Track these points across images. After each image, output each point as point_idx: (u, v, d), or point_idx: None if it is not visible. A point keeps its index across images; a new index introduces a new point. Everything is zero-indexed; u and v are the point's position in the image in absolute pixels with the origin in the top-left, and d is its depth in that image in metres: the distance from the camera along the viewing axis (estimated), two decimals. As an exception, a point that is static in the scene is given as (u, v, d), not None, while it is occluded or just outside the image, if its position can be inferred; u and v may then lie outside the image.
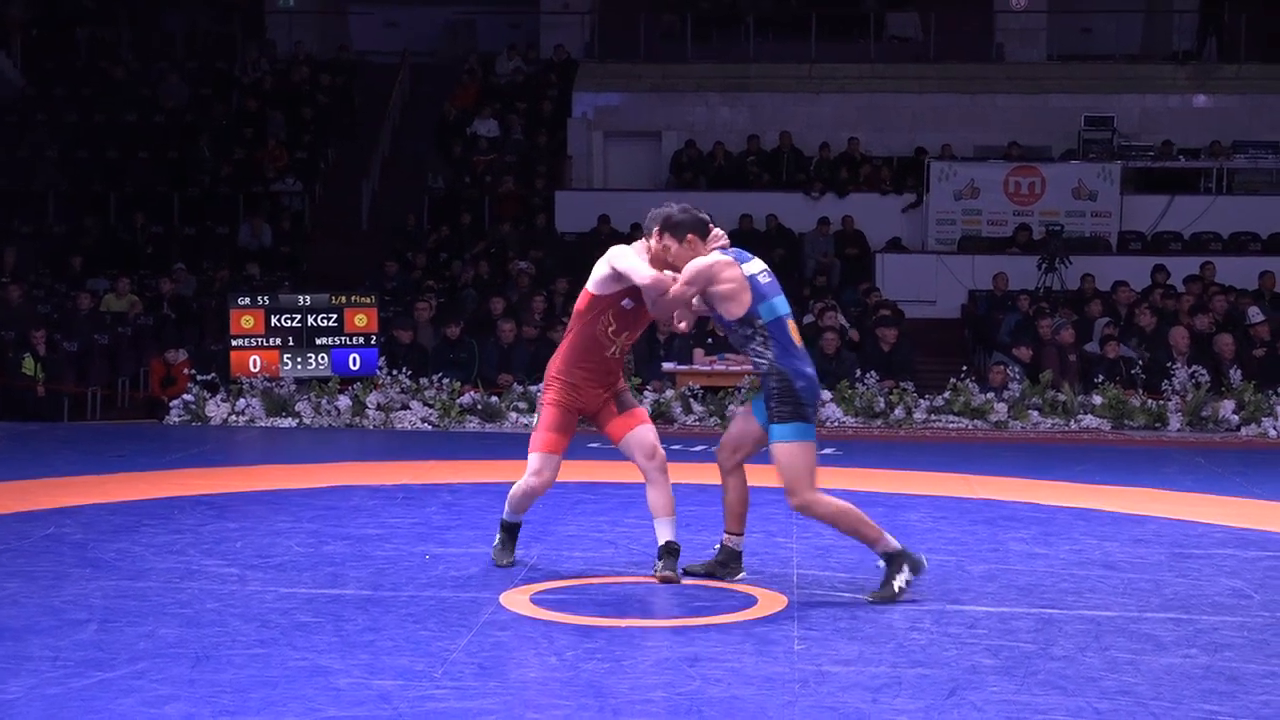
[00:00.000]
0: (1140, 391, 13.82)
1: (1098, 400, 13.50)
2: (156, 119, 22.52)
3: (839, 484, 9.01)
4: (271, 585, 6.09)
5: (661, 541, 6.35)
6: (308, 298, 14.13)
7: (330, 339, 13.97)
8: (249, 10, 25.26)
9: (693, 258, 6.02)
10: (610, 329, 6.20)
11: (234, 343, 13.90)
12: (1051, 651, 5.18)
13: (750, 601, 5.93)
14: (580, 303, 6.26)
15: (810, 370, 5.95)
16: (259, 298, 14.26)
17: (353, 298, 14.20)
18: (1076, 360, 15.06)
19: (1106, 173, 20.20)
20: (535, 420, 6.38)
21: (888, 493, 9.11)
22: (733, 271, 5.92)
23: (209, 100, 22.94)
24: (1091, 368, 14.76)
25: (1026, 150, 21.16)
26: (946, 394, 13.68)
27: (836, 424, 13.37)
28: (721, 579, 6.26)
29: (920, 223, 20.56)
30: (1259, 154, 20.94)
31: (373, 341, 14.07)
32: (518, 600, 5.86)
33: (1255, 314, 16.19)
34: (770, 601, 5.93)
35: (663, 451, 6.32)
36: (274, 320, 13.91)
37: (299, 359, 13.90)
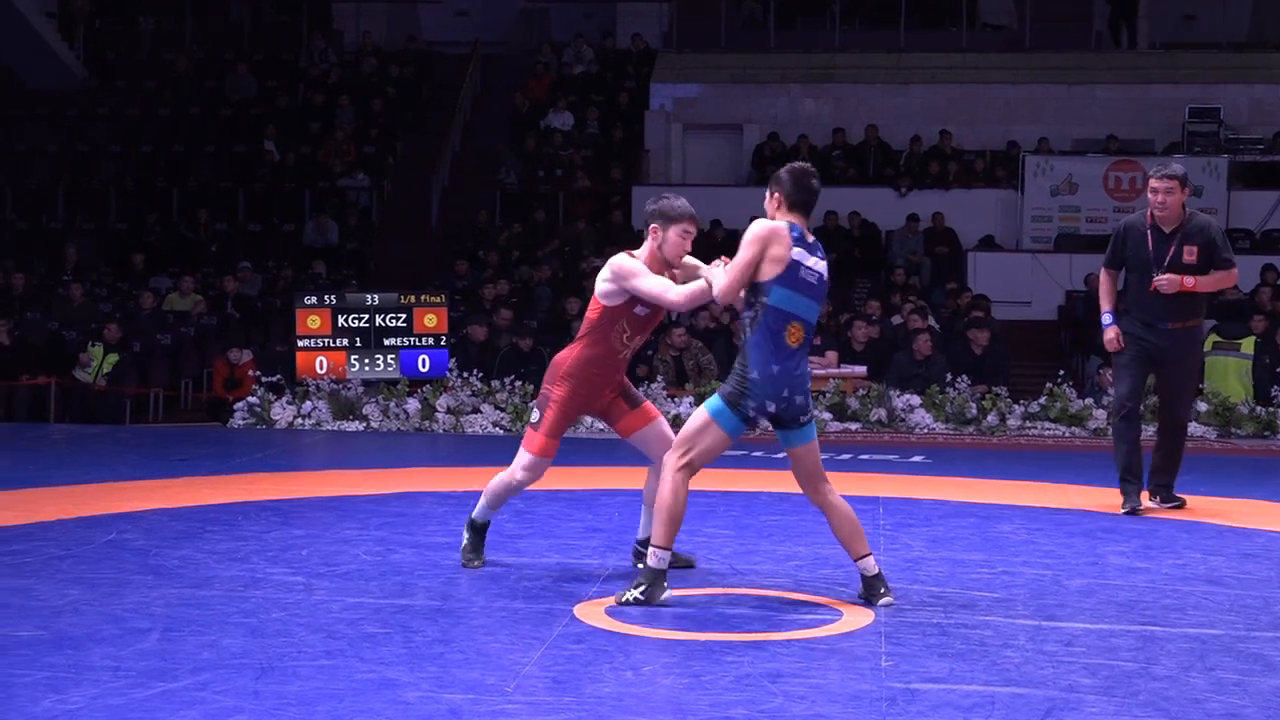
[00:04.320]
0: (1247, 398, 13.50)
1: (1203, 407, 13.04)
2: (222, 112, 22.63)
3: (930, 494, 9.12)
4: (338, 594, 6.01)
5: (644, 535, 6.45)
6: (375, 297, 14.04)
7: (399, 340, 13.85)
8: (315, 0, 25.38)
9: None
10: (625, 335, 6.34)
11: (300, 343, 13.84)
12: (1153, 671, 5.02)
13: (836, 616, 5.79)
14: (592, 313, 6.38)
15: (778, 369, 5.79)
16: (325, 297, 14.19)
17: (422, 297, 14.10)
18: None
19: (1212, 167, 19.75)
20: (536, 415, 6.40)
21: (980, 503, 8.90)
22: (785, 241, 5.81)
23: (275, 93, 23.05)
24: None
25: (1127, 144, 20.86)
26: (1042, 399, 13.34)
27: (926, 431, 13.11)
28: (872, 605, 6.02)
29: (1015, 220, 20.32)
30: (1375, 146, 20.57)
31: (442, 342, 13.95)
32: (593, 612, 5.75)
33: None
34: (856, 616, 5.77)
35: None
36: (341, 320, 13.81)
37: (366, 360, 13.79)
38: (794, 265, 5.75)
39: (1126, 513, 8.31)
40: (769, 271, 5.75)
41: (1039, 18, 23.06)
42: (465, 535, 6.62)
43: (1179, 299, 8.26)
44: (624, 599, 5.84)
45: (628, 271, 6.20)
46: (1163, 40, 23.71)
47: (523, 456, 6.35)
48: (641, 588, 5.80)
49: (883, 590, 5.92)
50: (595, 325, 6.31)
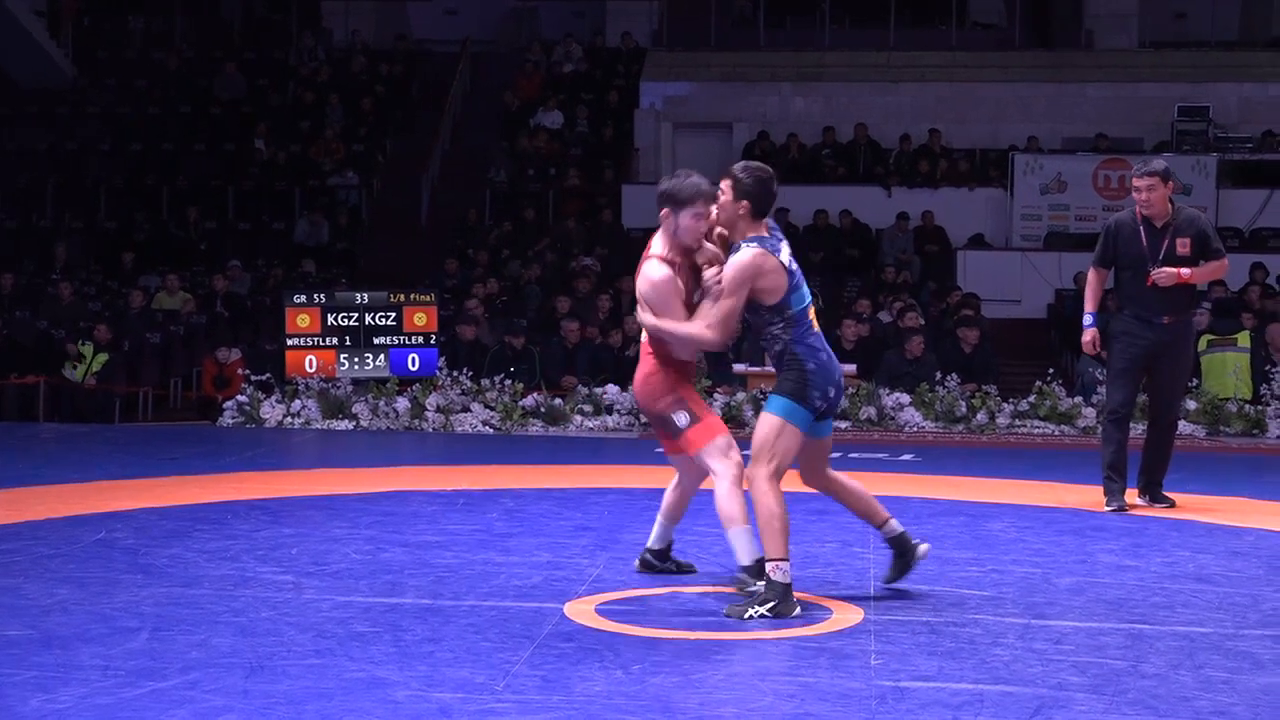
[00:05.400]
0: (1237, 395, 13.43)
1: (1192, 405, 12.99)
2: (212, 111, 22.53)
3: (919, 492, 9.06)
4: (328, 593, 5.97)
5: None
6: (365, 296, 13.92)
7: (388, 338, 13.73)
8: (304, -3, 25.36)
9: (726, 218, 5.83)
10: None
11: (289, 342, 13.72)
12: (1142, 669, 4.98)
13: (825, 614, 5.75)
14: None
15: (825, 356, 5.78)
16: (315, 296, 14.05)
17: (412, 296, 13.98)
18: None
19: (1201, 166, 19.74)
20: (684, 419, 5.91)
21: (970, 501, 8.86)
22: (772, 262, 5.71)
23: (264, 91, 22.93)
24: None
25: (1116, 142, 20.76)
26: (1031, 398, 13.30)
27: (916, 429, 13.04)
28: (911, 564, 6.10)
29: (1005, 218, 20.24)
30: (1364, 146, 20.48)
31: (432, 341, 13.85)
32: (583, 611, 5.73)
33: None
34: (846, 614, 5.74)
35: None
36: (330, 319, 13.68)
37: (356, 359, 13.67)
38: (790, 273, 5.71)
39: (1112, 511, 8.32)
40: (780, 288, 5.67)
41: (1029, 16, 23.08)
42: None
43: (1174, 292, 8.30)
44: (749, 614, 5.57)
45: (654, 303, 5.85)
46: (1152, 39, 23.66)
47: (709, 455, 5.86)
48: (771, 604, 5.57)
49: (914, 543, 5.99)
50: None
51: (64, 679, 4.65)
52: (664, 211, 5.79)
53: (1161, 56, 22.78)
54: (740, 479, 5.79)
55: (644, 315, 5.88)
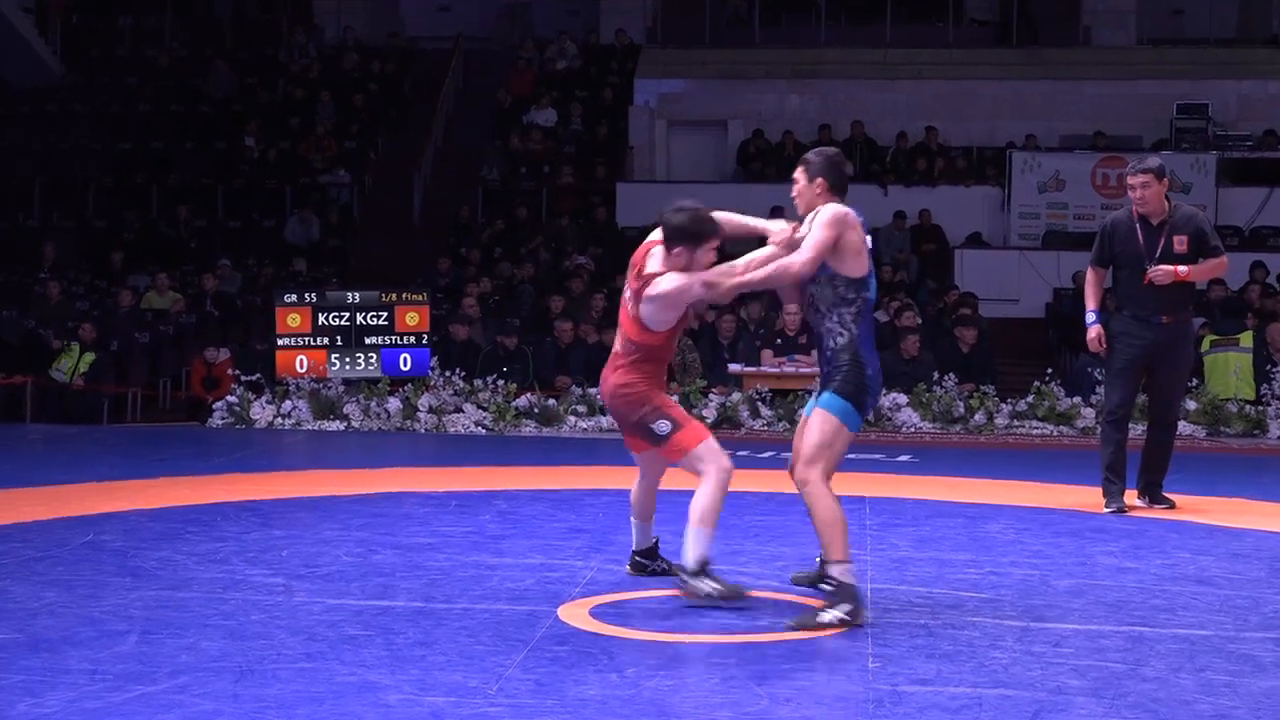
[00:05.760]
0: (1237, 395, 13.42)
1: (1192, 405, 12.97)
2: (202, 109, 22.49)
3: (917, 493, 9.17)
4: (319, 596, 6.01)
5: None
6: (356, 295, 13.92)
7: (380, 338, 13.75)
8: (295, -6, 25.42)
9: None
10: (678, 337, 6.20)
11: (280, 342, 13.72)
12: (1142, 672, 5.01)
13: None
14: (650, 338, 6.01)
15: (878, 362, 5.84)
16: (306, 295, 14.07)
17: (404, 295, 13.98)
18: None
19: (1201, 164, 19.69)
20: (665, 427, 5.97)
21: (968, 503, 8.88)
22: (858, 226, 5.77)
23: (255, 89, 22.90)
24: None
25: (1115, 140, 20.65)
26: (1030, 398, 13.28)
27: (913, 430, 13.01)
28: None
29: (1002, 217, 20.19)
30: (1364, 143, 20.44)
31: (424, 341, 13.84)
32: (576, 614, 5.75)
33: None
34: None
35: None
36: (321, 319, 13.70)
37: (347, 359, 13.68)
38: (870, 254, 5.75)
39: (1111, 512, 8.26)
40: (863, 264, 5.70)
41: (1026, 13, 23.03)
42: (707, 585, 5.80)
43: (1172, 291, 8.24)
44: (827, 618, 5.50)
45: (705, 286, 5.85)
46: (1150, 36, 23.66)
47: (700, 458, 5.88)
48: (847, 608, 5.51)
49: (851, 603, 5.87)
50: (661, 344, 6.02)
51: (52, 683, 4.68)
52: (677, 251, 5.86)
53: (1159, 54, 22.73)
54: (726, 484, 5.84)
55: (731, 280, 5.86)
